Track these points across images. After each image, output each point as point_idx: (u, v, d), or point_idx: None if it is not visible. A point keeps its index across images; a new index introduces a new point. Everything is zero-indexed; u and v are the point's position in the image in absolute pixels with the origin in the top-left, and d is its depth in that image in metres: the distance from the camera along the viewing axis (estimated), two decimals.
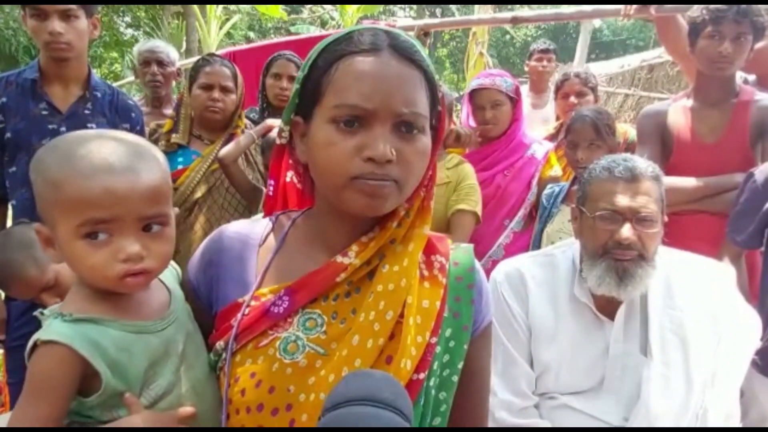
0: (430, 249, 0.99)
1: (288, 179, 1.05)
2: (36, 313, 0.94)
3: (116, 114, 2.43)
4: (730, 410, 1.53)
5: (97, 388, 0.86)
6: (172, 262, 1.07)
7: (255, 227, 1.03)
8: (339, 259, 0.93)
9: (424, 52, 0.90)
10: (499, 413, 1.59)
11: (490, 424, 1.61)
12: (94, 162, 0.83)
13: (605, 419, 1.53)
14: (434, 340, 0.92)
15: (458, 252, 1.02)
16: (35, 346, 0.85)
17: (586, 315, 1.59)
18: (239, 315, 0.92)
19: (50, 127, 2.28)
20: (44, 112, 2.29)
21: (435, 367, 0.92)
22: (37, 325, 0.89)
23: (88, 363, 0.84)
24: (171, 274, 1.04)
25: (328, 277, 0.92)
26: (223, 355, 0.93)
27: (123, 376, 0.87)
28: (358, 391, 0.77)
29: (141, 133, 2.53)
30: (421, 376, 0.89)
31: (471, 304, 0.97)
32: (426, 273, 0.96)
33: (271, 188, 1.07)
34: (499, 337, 1.63)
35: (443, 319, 0.94)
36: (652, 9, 2.81)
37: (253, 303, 0.93)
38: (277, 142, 1.01)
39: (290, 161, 1.03)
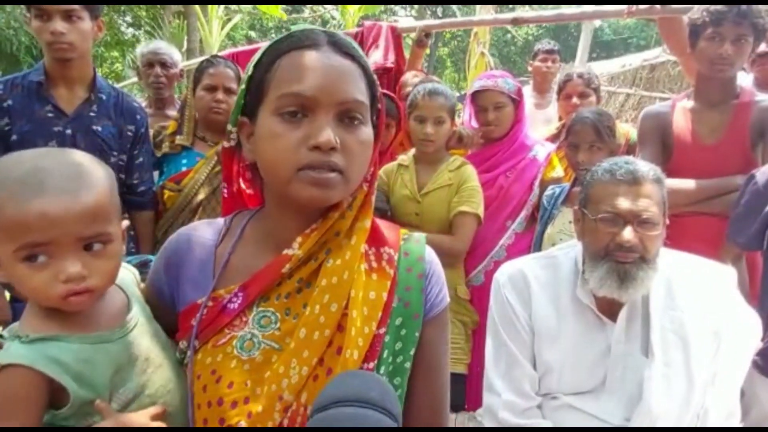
0: (378, 241, 1.02)
1: (241, 185, 1.08)
2: None
3: (121, 116, 2.44)
4: (730, 410, 1.54)
5: (67, 401, 0.87)
6: (129, 266, 1.09)
7: (212, 228, 1.06)
8: (285, 251, 0.96)
9: (360, 50, 0.95)
10: (502, 414, 1.60)
11: (493, 425, 1.63)
12: (29, 185, 0.83)
13: (607, 419, 1.54)
14: (382, 330, 0.95)
15: (410, 242, 1.04)
16: None
17: (588, 316, 1.61)
18: (198, 315, 0.96)
19: (56, 129, 2.29)
20: (50, 115, 2.30)
21: (385, 355, 0.95)
22: None
23: (53, 379, 0.85)
24: (129, 278, 1.06)
25: (275, 270, 0.95)
26: (188, 353, 0.97)
27: (90, 386, 0.89)
28: (346, 391, 0.79)
29: (146, 134, 2.55)
30: (371, 365, 0.93)
31: (421, 293, 1.00)
32: (375, 265, 0.99)
33: (225, 191, 1.09)
34: (502, 337, 1.65)
35: (392, 309, 0.97)
36: (658, 8, 2.81)
37: (210, 304, 0.96)
38: (225, 145, 1.03)
39: (239, 167, 1.05)
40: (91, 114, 2.36)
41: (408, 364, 0.97)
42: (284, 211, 0.97)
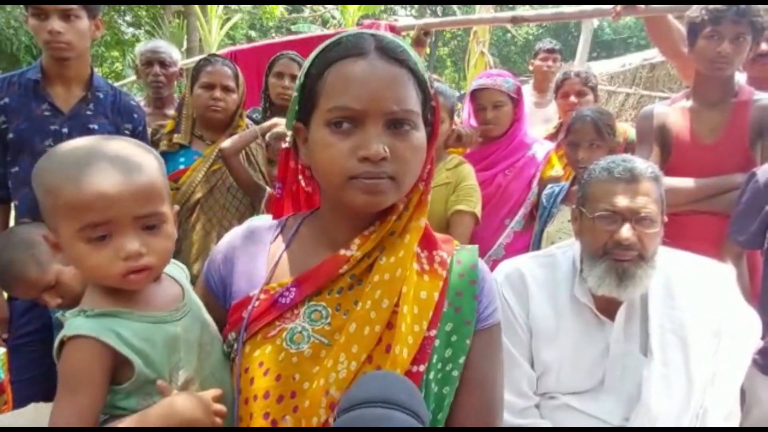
0: (433, 245, 1.03)
1: (302, 183, 1.10)
2: (58, 315, 0.98)
3: (118, 115, 2.43)
4: (730, 410, 1.54)
5: (130, 376, 0.90)
6: (178, 262, 1.12)
7: (266, 227, 1.09)
8: (342, 252, 0.97)
9: (411, 52, 0.94)
10: None
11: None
12: (86, 168, 0.87)
13: (606, 419, 1.54)
14: (433, 332, 0.95)
15: (462, 252, 1.05)
16: (62, 344, 0.89)
17: (587, 315, 1.60)
18: (250, 307, 0.97)
19: (52, 127, 2.28)
20: (46, 113, 2.29)
21: (435, 360, 0.94)
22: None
23: (116, 352, 0.88)
24: (180, 273, 1.09)
25: (332, 269, 0.97)
26: (235, 345, 0.98)
27: (150, 364, 0.91)
28: (373, 392, 0.79)
29: (143, 133, 2.54)
30: (421, 368, 0.92)
31: (473, 299, 0.99)
32: (427, 267, 1.00)
33: (279, 190, 1.11)
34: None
35: (443, 313, 0.97)
36: (642, 7, 2.81)
37: (262, 296, 0.98)
38: (282, 145, 1.06)
39: (299, 165, 1.07)
40: (88, 113, 2.36)
41: (456, 373, 0.95)
42: (339, 213, 0.99)
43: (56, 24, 2.19)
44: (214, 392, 0.95)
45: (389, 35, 0.95)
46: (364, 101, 0.87)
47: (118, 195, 0.87)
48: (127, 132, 2.45)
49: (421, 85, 0.94)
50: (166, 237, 0.96)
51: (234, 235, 1.09)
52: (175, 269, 1.08)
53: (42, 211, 0.92)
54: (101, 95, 2.40)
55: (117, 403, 0.92)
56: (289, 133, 1.03)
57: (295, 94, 0.98)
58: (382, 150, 0.86)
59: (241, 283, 1.03)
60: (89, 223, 0.87)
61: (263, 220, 1.13)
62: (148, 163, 0.93)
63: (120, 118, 2.43)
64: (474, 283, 1.00)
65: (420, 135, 0.93)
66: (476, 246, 1.08)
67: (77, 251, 0.89)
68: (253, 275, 1.02)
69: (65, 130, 2.29)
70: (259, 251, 1.05)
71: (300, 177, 1.09)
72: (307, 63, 0.96)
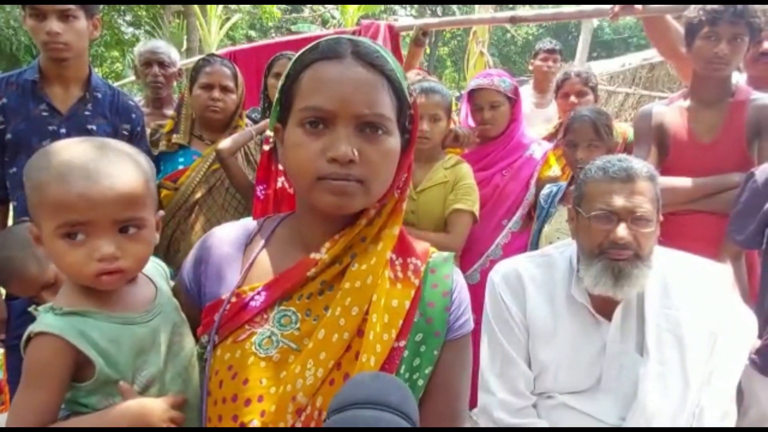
0: (406, 251, 1.02)
1: (279, 185, 1.10)
2: (30, 309, 1.00)
3: (117, 115, 2.43)
4: (726, 409, 1.54)
5: (91, 376, 0.92)
6: (160, 262, 1.14)
7: (243, 229, 1.09)
8: (311, 255, 0.97)
9: (389, 58, 0.94)
10: (497, 413, 1.60)
11: (489, 424, 1.63)
12: (73, 168, 0.89)
13: (602, 418, 1.54)
14: (402, 343, 0.95)
15: (437, 259, 1.05)
16: (29, 338, 0.92)
17: (584, 315, 1.60)
18: (221, 310, 0.97)
19: (50, 128, 2.28)
20: (44, 113, 2.29)
21: (402, 371, 0.94)
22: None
23: (80, 351, 0.90)
24: (158, 273, 1.11)
25: (300, 273, 0.97)
26: (207, 347, 0.98)
27: (114, 365, 0.93)
28: (364, 394, 0.78)
29: (142, 133, 2.54)
30: None
31: (445, 311, 0.99)
32: (400, 275, 0.99)
33: (261, 193, 1.12)
34: (497, 337, 1.64)
35: (413, 323, 0.96)
36: (639, 7, 2.82)
37: (233, 300, 0.98)
38: (265, 148, 1.07)
39: (277, 166, 1.08)
40: (86, 113, 2.35)
41: (422, 382, 0.96)
42: (312, 216, 0.99)
43: (54, 25, 2.18)
44: (172, 398, 0.97)
45: (368, 41, 0.95)
46: (335, 102, 0.88)
47: (101, 198, 0.89)
48: (125, 132, 2.44)
49: (397, 91, 0.94)
50: (143, 242, 0.97)
51: (209, 236, 1.09)
52: (154, 267, 1.10)
53: (28, 206, 0.94)
54: (99, 95, 2.40)
55: (79, 399, 0.94)
56: (271, 134, 1.03)
57: (277, 95, 0.99)
58: (351, 152, 0.87)
59: (213, 285, 1.02)
60: (68, 221, 0.90)
61: (244, 222, 1.13)
62: (134, 168, 0.95)
63: (118, 118, 2.43)
64: (446, 295, 1.00)
65: (392, 140, 0.93)
66: (452, 254, 1.08)
67: (55, 247, 0.92)
68: (226, 278, 1.02)
69: (63, 130, 2.29)
70: (233, 253, 1.04)
71: (282, 179, 1.09)
72: (289, 64, 0.97)
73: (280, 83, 0.98)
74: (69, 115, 2.32)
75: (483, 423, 1.66)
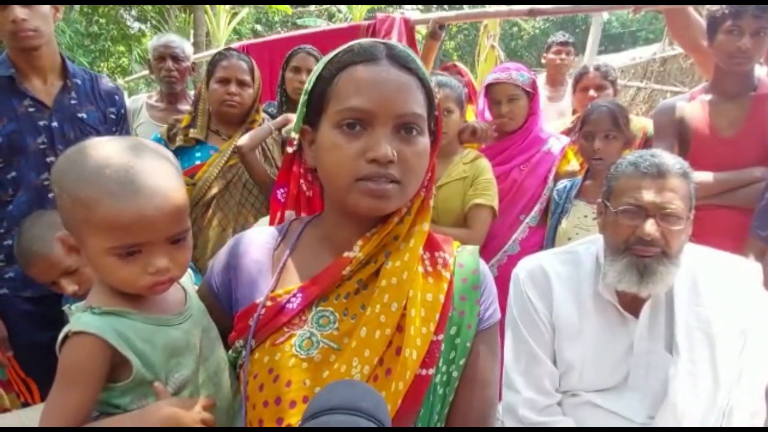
0: (434, 246, 1.05)
1: (302, 188, 1.12)
2: (64, 308, 1.00)
3: (101, 99, 2.38)
4: (755, 408, 1.51)
5: (127, 376, 0.92)
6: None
7: (270, 233, 1.10)
8: (345, 254, 0.99)
9: (419, 62, 0.97)
10: (522, 411, 1.59)
11: (514, 423, 1.62)
12: (123, 183, 0.86)
13: (630, 417, 1.53)
14: (440, 337, 0.97)
15: (463, 254, 1.07)
16: (66, 337, 0.91)
17: (610, 312, 1.58)
18: (256, 315, 0.98)
19: (41, 123, 2.21)
20: (31, 109, 2.21)
21: (440, 364, 0.97)
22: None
23: (117, 351, 0.90)
24: (185, 277, 1.10)
25: (336, 272, 0.98)
26: (243, 352, 0.99)
27: (149, 366, 0.93)
28: (339, 400, 0.80)
29: (125, 115, 2.49)
30: (430, 372, 0.95)
31: (476, 304, 1.02)
32: (430, 269, 1.02)
33: (281, 195, 1.13)
34: (523, 334, 1.63)
35: (449, 317, 0.99)
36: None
37: (268, 303, 0.99)
38: (288, 150, 1.07)
39: (301, 169, 1.09)
40: (72, 101, 2.29)
41: (456, 374, 0.99)
42: (343, 217, 1.01)
43: (19, 11, 2.08)
44: (204, 400, 0.97)
45: (400, 45, 0.98)
46: (375, 103, 0.89)
47: (157, 216, 0.88)
48: (112, 116, 2.39)
49: (428, 94, 0.96)
50: (188, 248, 0.99)
51: (238, 242, 1.10)
52: None
53: (66, 218, 0.92)
54: (79, 82, 2.34)
55: (111, 400, 0.94)
56: (296, 136, 1.04)
57: (303, 97, 1.00)
58: (391, 153, 0.88)
59: (245, 290, 1.03)
60: (125, 244, 0.89)
61: (264, 226, 1.14)
62: (177, 176, 0.95)
63: (103, 103, 2.39)
64: (476, 289, 1.03)
65: (425, 141, 0.95)
66: (477, 247, 1.10)
67: (107, 264, 0.91)
68: (258, 282, 1.03)
69: (55, 123, 2.23)
70: (263, 258, 1.06)
71: (301, 181, 1.10)
72: (318, 66, 0.98)
73: (307, 85, 0.99)
74: (57, 107, 2.25)
75: (508, 422, 1.64)
